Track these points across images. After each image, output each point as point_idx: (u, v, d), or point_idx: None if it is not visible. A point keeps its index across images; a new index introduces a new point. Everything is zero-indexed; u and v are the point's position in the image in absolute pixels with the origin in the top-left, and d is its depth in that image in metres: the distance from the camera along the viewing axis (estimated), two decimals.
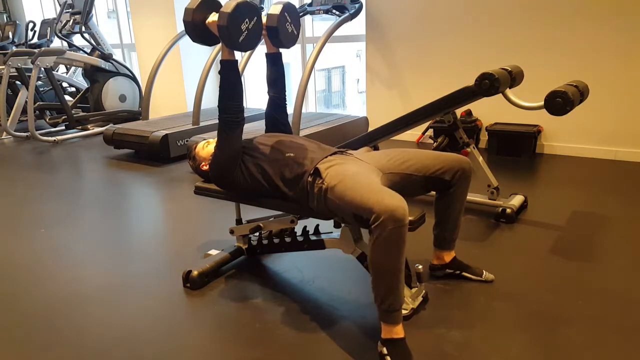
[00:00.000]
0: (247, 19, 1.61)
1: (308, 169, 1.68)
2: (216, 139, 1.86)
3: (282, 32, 1.84)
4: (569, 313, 1.71)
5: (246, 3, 1.60)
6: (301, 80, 3.76)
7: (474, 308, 1.77)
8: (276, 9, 1.80)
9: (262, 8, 4.65)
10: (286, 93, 2.11)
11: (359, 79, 9.66)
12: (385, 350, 1.47)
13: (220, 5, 1.73)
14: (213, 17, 1.68)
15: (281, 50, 2.00)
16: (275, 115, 2.09)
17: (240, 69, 4.14)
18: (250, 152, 1.83)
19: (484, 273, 1.94)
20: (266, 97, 2.10)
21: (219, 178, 1.89)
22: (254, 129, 4.08)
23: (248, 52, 4.20)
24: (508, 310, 1.74)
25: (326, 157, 1.73)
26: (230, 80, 1.76)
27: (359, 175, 1.57)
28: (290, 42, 1.91)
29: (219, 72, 1.78)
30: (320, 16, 4.46)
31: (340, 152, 1.83)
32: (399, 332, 1.48)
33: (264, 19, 1.81)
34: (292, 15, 1.87)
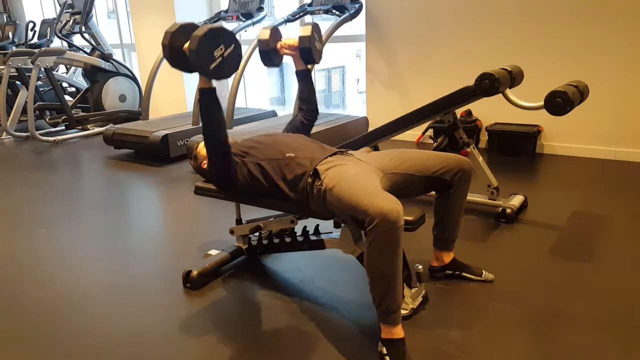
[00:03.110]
0: (222, 46, 1.53)
1: (308, 169, 1.68)
2: (207, 156, 1.80)
3: (314, 50, 1.96)
4: (569, 313, 1.71)
5: (222, 29, 1.53)
6: None
7: (474, 308, 1.77)
8: (307, 31, 1.92)
9: (262, 8, 4.66)
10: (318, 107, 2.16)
11: (359, 79, 9.65)
12: (385, 350, 1.47)
13: None
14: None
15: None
16: (305, 128, 2.12)
17: (240, 68, 4.15)
18: (251, 151, 1.83)
19: (484, 273, 1.94)
20: (289, 107, 2.09)
21: (220, 184, 1.91)
22: (254, 129, 4.09)
23: (249, 52, 4.21)
24: (508, 310, 1.74)
25: (326, 157, 1.73)
26: (210, 110, 1.67)
27: (356, 177, 1.57)
28: (319, 58, 2.02)
29: (198, 101, 1.69)
30: (320, 16, 4.46)
31: (341, 152, 1.82)
32: (398, 332, 1.48)
33: (295, 41, 1.94)
34: (318, 34, 2.00)
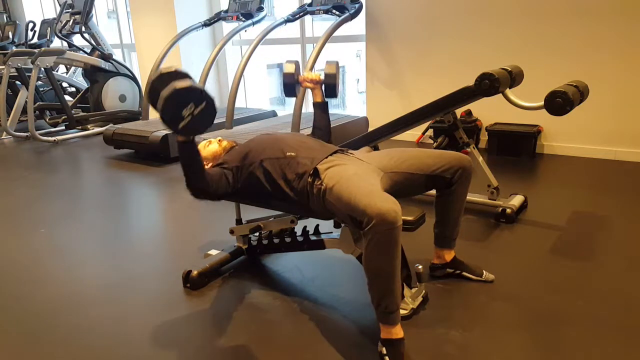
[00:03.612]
0: (191, 104, 1.45)
1: (308, 169, 1.68)
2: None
3: (337, 86, 2.09)
4: (569, 313, 1.71)
5: (190, 89, 1.44)
6: None
7: (474, 308, 1.77)
8: (333, 68, 2.07)
9: (262, 8, 4.66)
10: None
11: (359, 79, 9.65)
12: (384, 351, 1.47)
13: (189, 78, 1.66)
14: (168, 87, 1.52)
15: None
16: None
17: (240, 68, 4.16)
18: (251, 153, 1.83)
19: (484, 273, 1.94)
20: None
21: (212, 199, 1.86)
22: (254, 129, 4.09)
23: (249, 52, 4.21)
24: (508, 310, 1.74)
25: (326, 157, 1.73)
26: (188, 163, 1.63)
27: (355, 177, 1.57)
28: (338, 93, 2.14)
29: (178, 151, 1.63)
30: (320, 16, 4.46)
31: (341, 151, 1.82)
32: (397, 332, 1.48)
33: (317, 75, 2.06)
34: (338, 69, 2.13)
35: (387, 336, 1.48)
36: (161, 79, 1.58)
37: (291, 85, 2.11)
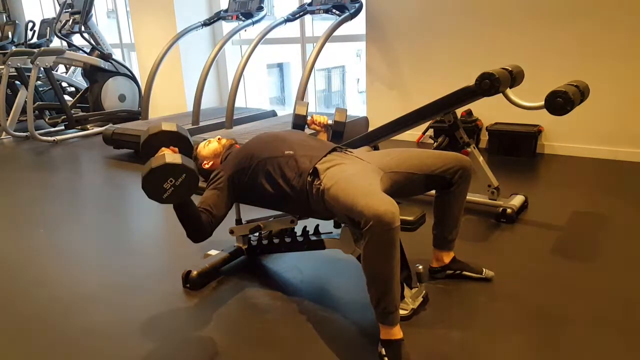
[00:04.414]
0: (170, 178, 1.51)
1: (307, 167, 1.68)
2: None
3: (344, 133, 2.20)
4: (569, 313, 1.70)
5: (165, 166, 1.50)
6: (301, 79, 3.75)
7: (474, 308, 1.76)
8: (343, 117, 2.19)
9: (262, 8, 4.66)
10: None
11: (359, 79, 9.65)
12: (383, 351, 1.47)
13: (186, 141, 1.84)
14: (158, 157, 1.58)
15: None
16: None
17: (240, 68, 4.15)
18: (252, 151, 1.83)
19: (484, 270, 1.93)
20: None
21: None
22: (254, 129, 4.09)
23: (249, 51, 4.20)
24: (508, 310, 1.74)
25: (325, 155, 1.72)
26: (186, 220, 1.68)
27: (354, 177, 1.56)
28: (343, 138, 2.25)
29: (175, 210, 1.68)
30: (320, 16, 4.46)
31: (340, 149, 1.82)
32: (396, 333, 1.48)
33: (325, 119, 2.17)
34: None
35: (387, 337, 1.48)
36: (149, 142, 1.71)
37: (300, 126, 2.21)
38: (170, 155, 1.52)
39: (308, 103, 2.25)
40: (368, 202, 1.39)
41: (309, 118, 2.20)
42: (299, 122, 2.20)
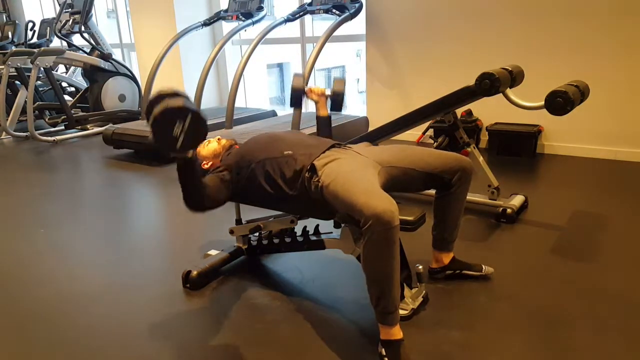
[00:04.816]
0: (177, 122, 1.43)
1: (305, 164, 1.68)
2: None
3: (343, 102, 2.17)
4: (570, 313, 1.70)
5: (166, 111, 1.41)
6: None
7: (474, 308, 1.76)
8: (341, 86, 2.13)
9: (262, 8, 4.65)
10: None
11: (359, 79, 9.65)
12: (383, 352, 1.47)
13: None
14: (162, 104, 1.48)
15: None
16: None
17: (240, 68, 4.15)
18: (249, 154, 1.82)
19: (484, 268, 1.93)
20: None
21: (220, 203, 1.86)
22: (254, 129, 4.09)
23: (249, 51, 4.20)
24: (508, 310, 1.74)
25: (323, 151, 1.72)
26: (187, 178, 1.59)
27: (352, 174, 1.56)
28: (343, 107, 2.21)
29: (177, 171, 1.60)
30: (320, 16, 4.46)
31: (339, 145, 1.82)
32: (396, 333, 1.47)
33: (323, 90, 2.14)
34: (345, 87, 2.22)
35: (386, 337, 1.48)
36: (152, 104, 1.58)
37: (298, 97, 2.20)
38: (171, 100, 1.44)
39: (304, 75, 2.24)
40: (367, 201, 1.38)
41: (306, 89, 2.19)
42: (297, 94, 2.20)
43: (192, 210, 1.68)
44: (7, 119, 5.17)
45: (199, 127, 1.47)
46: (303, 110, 3.81)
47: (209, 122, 1.55)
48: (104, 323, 1.78)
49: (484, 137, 4.03)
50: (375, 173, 1.63)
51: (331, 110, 2.20)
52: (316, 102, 2.17)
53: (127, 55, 6.98)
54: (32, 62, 4.85)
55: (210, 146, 2.01)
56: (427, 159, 1.76)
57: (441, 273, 1.95)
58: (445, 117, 2.56)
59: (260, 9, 4.62)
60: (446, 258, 1.93)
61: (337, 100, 2.17)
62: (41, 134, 5.16)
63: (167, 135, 1.43)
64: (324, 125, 2.19)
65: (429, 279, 1.95)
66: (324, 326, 1.69)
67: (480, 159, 2.60)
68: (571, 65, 3.58)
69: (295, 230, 2.00)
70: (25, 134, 5.18)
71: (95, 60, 5.55)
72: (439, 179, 1.77)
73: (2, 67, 5.06)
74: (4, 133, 5.29)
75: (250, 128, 4.18)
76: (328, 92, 2.18)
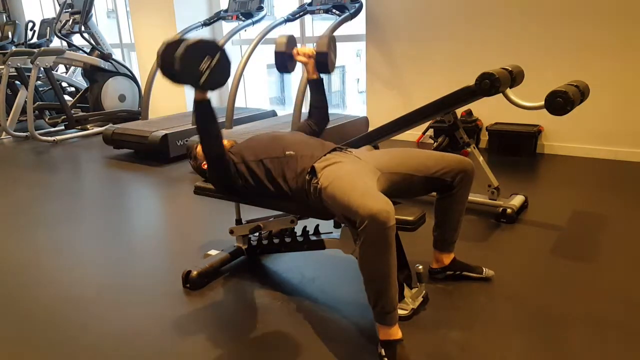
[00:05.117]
0: (206, 57, 1.46)
1: (306, 166, 1.68)
2: (206, 162, 1.83)
3: (330, 58, 2.01)
4: (570, 313, 1.70)
5: (200, 42, 1.45)
6: (301, 79, 3.75)
7: (474, 308, 1.76)
8: (325, 40, 1.98)
9: (262, 8, 4.65)
10: (329, 113, 2.17)
11: (359, 79, 9.65)
12: (383, 352, 1.47)
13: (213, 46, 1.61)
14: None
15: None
16: (314, 134, 2.09)
17: (240, 68, 4.15)
18: (252, 151, 1.83)
19: (485, 270, 1.93)
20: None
21: (221, 188, 1.91)
22: (254, 129, 4.08)
23: (249, 51, 4.20)
24: (508, 310, 1.74)
25: (325, 154, 1.72)
26: (206, 121, 1.68)
27: (350, 177, 1.56)
28: (332, 68, 2.07)
29: (194, 112, 1.67)
30: (320, 16, 4.46)
31: (340, 149, 1.82)
32: (395, 333, 1.47)
33: (311, 50, 2.01)
34: (334, 45, 2.08)
35: (385, 337, 1.48)
36: (168, 49, 1.58)
37: (282, 59, 2.04)
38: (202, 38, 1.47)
39: (290, 35, 2.06)
40: (363, 202, 1.39)
41: (294, 51, 2.04)
42: (283, 58, 2.03)
43: (210, 159, 1.75)
44: (7, 119, 5.17)
45: (224, 69, 1.50)
46: (303, 110, 3.81)
47: None
48: (103, 323, 1.78)
49: (484, 137, 4.03)
50: (375, 178, 1.63)
51: (318, 72, 2.06)
52: (305, 65, 2.04)
53: (127, 55, 6.98)
54: (32, 62, 4.85)
55: None
56: (427, 162, 1.75)
57: (441, 273, 1.95)
58: (445, 117, 2.56)
59: (260, 9, 4.62)
60: (447, 259, 1.93)
61: (321, 61, 2.02)
62: (41, 134, 5.16)
63: (193, 68, 1.45)
64: (315, 90, 2.10)
65: (429, 279, 1.95)
66: (323, 326, 1.69)
67: (480, 159, 2.60)
68: (571, 65, 3.58)
69: (295, 230, 2.00)
70: (25, 134, 5.18)
71: (95, 60, 5.55)
72: (441, 182, 1.76)
73: (2, 67, 5.06)
74: (4, 133, 5.29)
75: (250, 128, 4.18)
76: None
